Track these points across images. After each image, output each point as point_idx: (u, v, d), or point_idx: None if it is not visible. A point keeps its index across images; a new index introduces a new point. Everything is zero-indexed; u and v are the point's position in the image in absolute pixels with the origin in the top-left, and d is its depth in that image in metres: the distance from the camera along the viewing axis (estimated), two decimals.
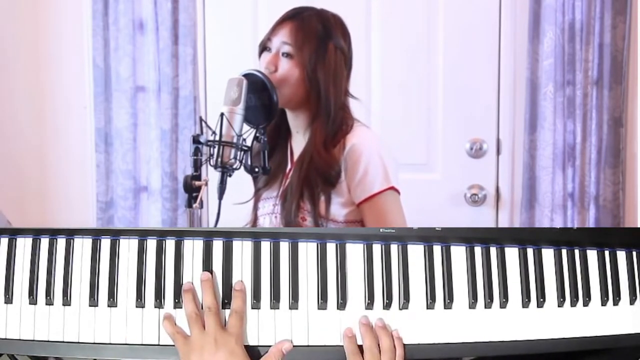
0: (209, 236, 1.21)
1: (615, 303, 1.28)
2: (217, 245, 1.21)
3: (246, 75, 1.27)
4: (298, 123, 1.34)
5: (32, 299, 1.16)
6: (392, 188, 1.27)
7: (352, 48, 1.34)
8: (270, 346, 1.16)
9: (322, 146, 1.29)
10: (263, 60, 1.32)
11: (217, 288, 1.18)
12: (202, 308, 1.15)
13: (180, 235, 1.21)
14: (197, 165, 1.26)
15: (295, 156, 1.35)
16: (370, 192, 1.26)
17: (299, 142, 1.34)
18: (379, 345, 1.16)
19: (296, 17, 1.31)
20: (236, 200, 1.37)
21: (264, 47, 1.33)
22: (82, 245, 1.19)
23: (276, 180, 1.37)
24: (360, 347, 1.17)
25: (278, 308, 1.19)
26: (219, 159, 1.25)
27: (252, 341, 1.17)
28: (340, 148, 1.28)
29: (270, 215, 1.35)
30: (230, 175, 1.27)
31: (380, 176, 1.26)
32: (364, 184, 1.26)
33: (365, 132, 1.31)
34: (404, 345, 1.19)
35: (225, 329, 1.13)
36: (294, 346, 1.17)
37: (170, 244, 1.20)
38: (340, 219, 1.28)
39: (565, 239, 1.28)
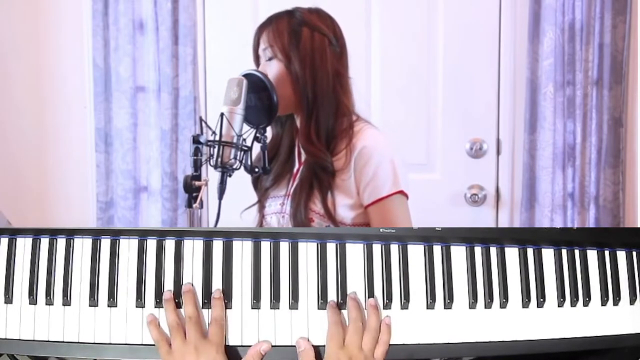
0: (209, 236, 1.20)
1: (616, 303, 1.28)
2: (217, 245, 1.21)
3: (246, 75, 1.28)
4: None
5: (32, 299, 1.16)
6: (401, 192, 1.27)
7: (346, 36, 1.33)
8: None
9: (303, 135, 1.29)
10: None
11: (215, 288, 1.19)
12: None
13: (180, 235, 1.20)
14: (197, 165, 1.26)
15: (303, 155, 1.35)
16: (378, 196, 1.26)
17: None
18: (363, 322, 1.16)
19: (268, 24, 1.32)
20: (240, 204, 1.38)
21: (259, 65, 1.34)
22: (82, 245, 1.19)
23: (283, 179, 1.37)
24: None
25: (278, 308, 1.19)
26: (219, 159, 1.25)
27: (252, 341, 1.17)
28: (349, 150, 1.27)
29: (277, 214, 1.35)
30: (230, 175, 1.27)
31: (390, 180, 1.26)
32: (372, 187, 1.26)
33: (376, 135, 1.30)
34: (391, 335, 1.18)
35: (207, 338, 1.13)
36: (294, 346, 1.17)
37: (170, 244, 1.20)
38: (348, 222, 1.27)
39: (565, 239, 1.28)
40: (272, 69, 1.30)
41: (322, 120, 1.29)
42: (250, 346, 1.16)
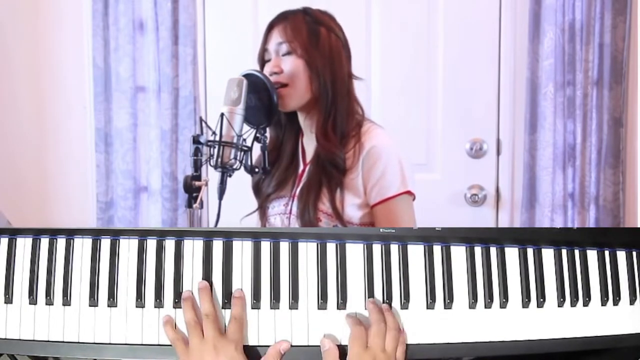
0: (209, 236, 1.21)
1: (615, 303, 1.28)
2: (217, 245, 1.21)
3: (246, 76, 1.27)
4: (312, 122, 1.33)
5: (32, 299, 1.16)
6: (408, 192, 1.27)
7: (347, 37, 1.34)
8: (270, 346, 1.16)
9: (321, 130, 1.29)
10: (266, 70, 1.32)
11: (216, 289, 1.18)
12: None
13: (180, 235, 1.20)
14: (197, 166, 1.26)
15: (308, 156, 1.35)
16: (385, 195, 1.26)
17: (312, 142, 1.33)
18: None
19: (282, 19, 1.31)
20: (240, 205, 1.37)
21: (263, 60, 1.33)
22: (82, 245, 1.19)
23: (287, 180, 1.37)
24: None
25: (278, 308, 1.19)
26: (219, 159, 1.25)
27: (252, 341, 1.17)
28: (357, 149, 1.27)
29: (281, 215, 1.35)
30: (230, 176, 1.27)
31: (397, 180, 1.26)
32: (380, 187, 1.26)
33: (384, 135, 1.30)
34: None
35: (225, 335, 1.12)
36: (293, 346, 1.17)
37: (170, 244, 1.20)
38: (355, 221, 1.27)
39: (565, 239, 1.28)
40: (290, 64, 1.29)
41: (339, 119, 1.29)
42: (251, 346, 1.16)
